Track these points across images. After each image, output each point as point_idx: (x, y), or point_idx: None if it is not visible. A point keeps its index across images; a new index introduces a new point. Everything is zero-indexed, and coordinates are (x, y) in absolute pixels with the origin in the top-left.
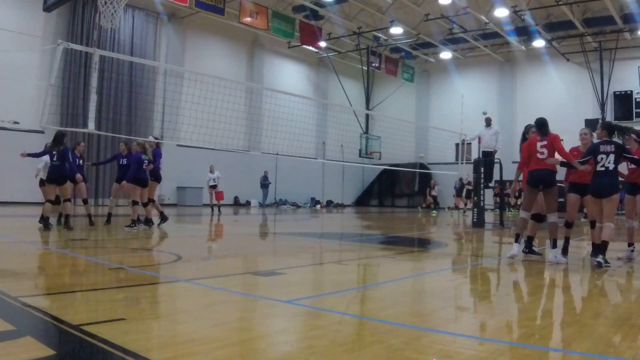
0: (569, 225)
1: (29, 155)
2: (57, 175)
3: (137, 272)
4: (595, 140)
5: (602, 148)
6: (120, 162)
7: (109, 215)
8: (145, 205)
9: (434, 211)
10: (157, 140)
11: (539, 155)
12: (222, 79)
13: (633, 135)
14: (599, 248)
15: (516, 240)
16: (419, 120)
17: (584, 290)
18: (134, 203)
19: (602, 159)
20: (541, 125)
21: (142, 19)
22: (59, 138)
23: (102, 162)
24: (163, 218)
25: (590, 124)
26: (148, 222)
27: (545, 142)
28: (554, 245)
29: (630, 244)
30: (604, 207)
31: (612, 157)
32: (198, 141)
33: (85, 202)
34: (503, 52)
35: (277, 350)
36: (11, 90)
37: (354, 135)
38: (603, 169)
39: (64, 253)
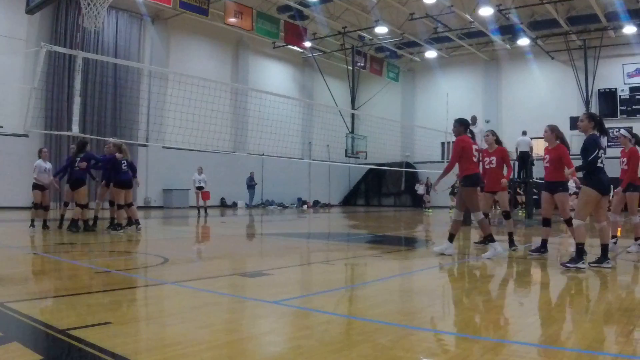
0: (547, 223)
1: (58, 174)
2: (77, 180)
3: (124, 276)
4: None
5: (602, 142)
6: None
7: (95, 218)
8: (129, 206)
9: (429, 210)
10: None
11: (474, 159)
12: (207, 80)
13: (628, 135)
14: (579, 251)
15: (492, 240)
16: (404, 119)
17: (570, 286)
18: (119, 207)
19: (602, 154)
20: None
21: (126, 20)
22: (82, 145)
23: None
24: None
25: (575, 121)
26: (136, 222)
27: (477, 147)
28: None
29: (614, 236)
30: (602, 204)
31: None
32: (183, 143)
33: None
34: (488, 50)
35: (265, 351)
36: None
37: (340, 135)
38: (602, 165)
39: (50, 257)
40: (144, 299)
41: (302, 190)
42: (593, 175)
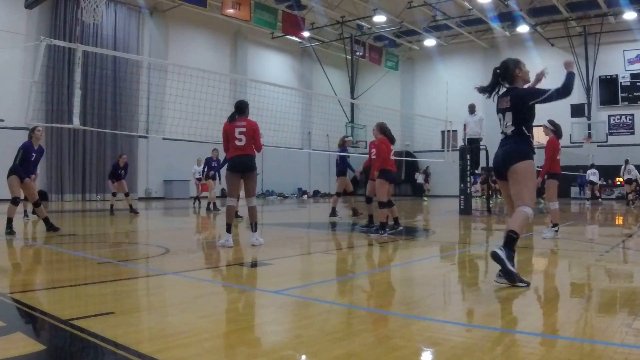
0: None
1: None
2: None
3: (126, 266)
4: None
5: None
6: (212, 165)
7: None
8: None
9: (425, 199)
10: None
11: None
12: (205, 71)
13: (550, 126)
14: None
15: (228, 231)
16: (404, 108)
17: (570, 275)
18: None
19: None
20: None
21: (125, 13)
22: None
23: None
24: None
25: (576, 108)
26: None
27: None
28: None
29: (555, 224)
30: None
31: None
32: (183, 134)
33: (126, 195)
34: (487, 38)
35: (265, 341)
36: None
37: (339, 125)
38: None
39: (52, 249)
40: (145, 289)
41: (302, 180)
42: None
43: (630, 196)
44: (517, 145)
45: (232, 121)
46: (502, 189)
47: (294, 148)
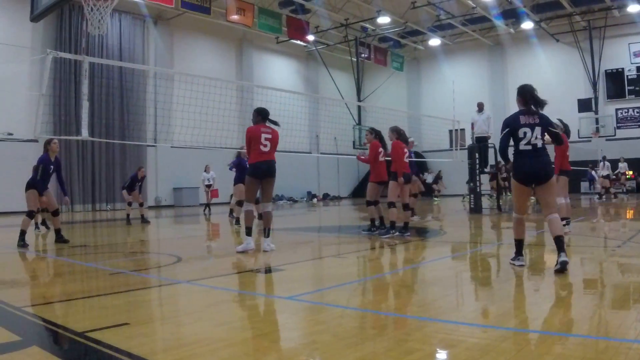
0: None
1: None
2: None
3: (138, 276)
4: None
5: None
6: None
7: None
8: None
9: (436, 199)
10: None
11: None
12: (211, 78)
13: (560, 125)
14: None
15: (248, 234)
16: (410, 108)
17: (583, 273)
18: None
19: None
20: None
21: (129, 22)
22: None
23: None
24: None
25: (583, 103)
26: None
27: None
28: None
29: (565, 218)
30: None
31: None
32: (191, 142)
33: (141, 205)
34: (492, 36)
35: (280, 348)
36: (3, 101)
37: (347, 127)
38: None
39: (64, 260)
40: (159, 299)
41: (312, 184)
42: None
43: (603, 190)
44: (549, 158)
45: (257, 124)
46: (525, 193)
47: (302, 152)
